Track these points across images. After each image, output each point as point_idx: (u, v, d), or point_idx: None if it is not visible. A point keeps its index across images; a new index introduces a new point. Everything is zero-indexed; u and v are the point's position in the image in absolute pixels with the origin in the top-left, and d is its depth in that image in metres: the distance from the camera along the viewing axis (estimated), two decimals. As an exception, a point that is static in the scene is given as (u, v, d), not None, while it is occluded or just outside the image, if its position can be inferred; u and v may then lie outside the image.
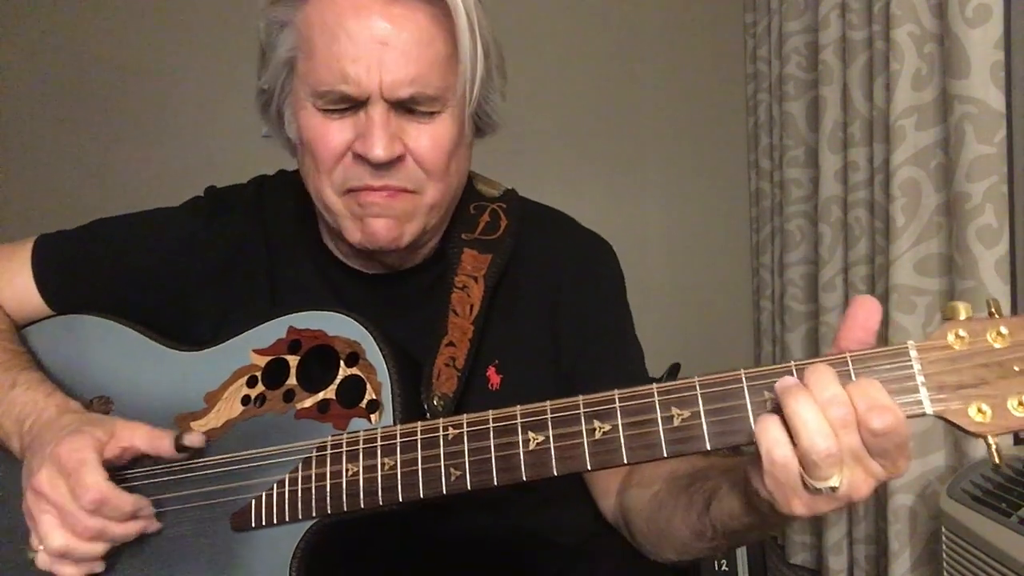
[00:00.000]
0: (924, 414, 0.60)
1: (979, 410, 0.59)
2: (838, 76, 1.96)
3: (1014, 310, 1.45)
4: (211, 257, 0.95)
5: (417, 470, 0.69)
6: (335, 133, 0.82)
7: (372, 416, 0.76)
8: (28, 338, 0.95)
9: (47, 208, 2.48)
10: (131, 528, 0.77)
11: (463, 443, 0.68)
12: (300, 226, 0.97)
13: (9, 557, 0.83)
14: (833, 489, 0.58)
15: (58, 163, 2.59)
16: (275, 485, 0.75)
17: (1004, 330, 0.60)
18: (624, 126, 2.67)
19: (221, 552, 0.77)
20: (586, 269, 0.97)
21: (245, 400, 0.81)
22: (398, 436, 0.71)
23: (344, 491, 0.72)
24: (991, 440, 0.59)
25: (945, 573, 1.35)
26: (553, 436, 0.66)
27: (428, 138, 0.83)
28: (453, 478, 0.68)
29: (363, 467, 0.71)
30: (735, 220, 2.68)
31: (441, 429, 0.70)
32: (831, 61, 1.98)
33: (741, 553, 1.86)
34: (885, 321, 1.70)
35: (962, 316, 0.61)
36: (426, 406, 0.81)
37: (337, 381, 0.78)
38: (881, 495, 1.76)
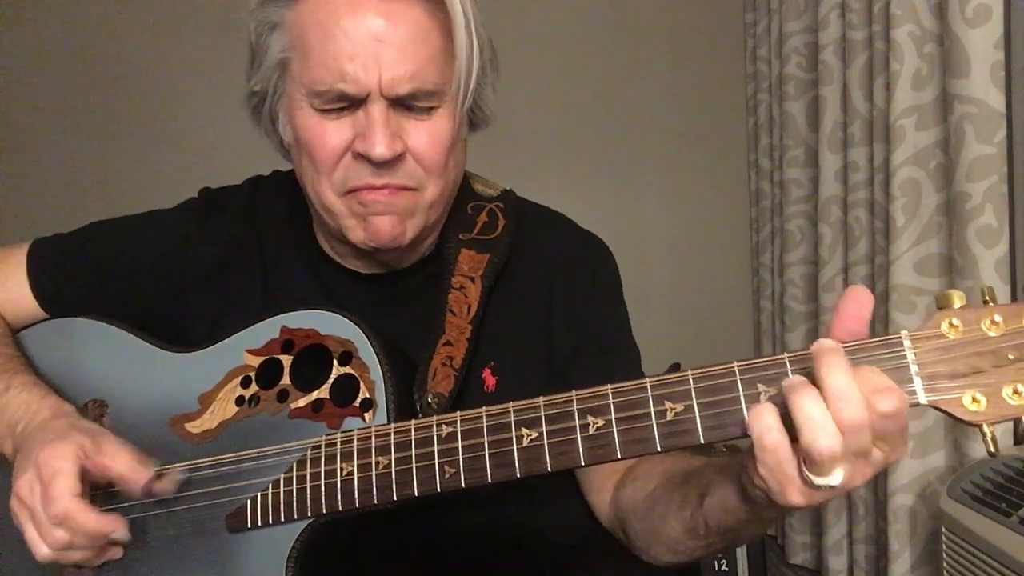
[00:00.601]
0: (918, 404, 0.60)
1: (973, 399, 0.58)
2: (838, 76, 1.96)
3: (1014, 310, 1.46)
4: (204, 258, 0.95)
5: (411, 468, 0.69)
6: (333, 133, 0.82)
7: (366, 415, 0.76)
8: (23, 342, 0.95)
9: (47, 208, 2.48)
10: (90, 553, 0.75)
11: (457, 441, 0.68)
12: (293, 226, 0.97)
13: (8, 557, 0.83)
14: (832, 487, 0.58)
15: (58, 163, 2.59)
16: (270, 485, 0.75)
17: (998, 318, 0.59)
18: (624, 126, 2.66)
19: (217, 553, 0.77)
20: (581, 269, 0.96)
21: (239, 401, 0.81)
22: (392, 435, 0.71)
23: (339, 490, 0.72)
24: (986, 429, 0.59)
25: (945, 573, 1.35)
26: (547, 432, 0.66)
27: (427, 135, 0.82)
28: (448, 475, 0.68)
29: (357, 466, 0.71)
30: (735, 220, 2.68)
31: (435, 427, 0.69)
32: (831, 61, 1.98)
33: (741, 553, 1.85)
34: (885, 321, 1.70)
35: (956, 305, 0.61)
36: (419, 406, 0.80)
37: (330, 380, 0.78)
38: (881, 495, 1.76)
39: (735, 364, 0.62)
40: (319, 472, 0.73)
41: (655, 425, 0.63)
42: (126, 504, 0.80)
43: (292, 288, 0.94)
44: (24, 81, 2.57)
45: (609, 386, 0.65)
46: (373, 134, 0.80)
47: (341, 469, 0.72)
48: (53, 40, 2.57)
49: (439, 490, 0.68)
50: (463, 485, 0.68)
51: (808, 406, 0.56)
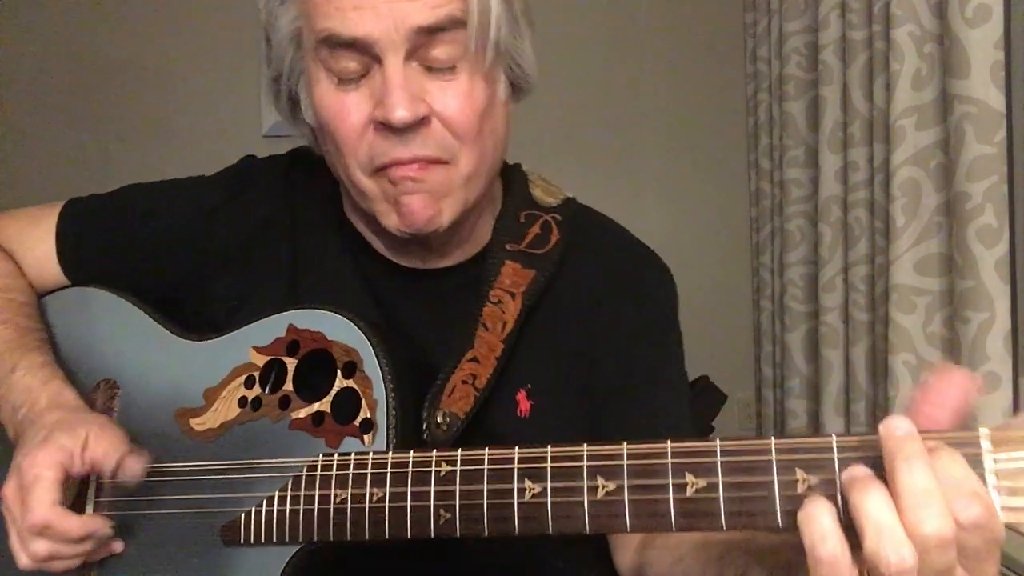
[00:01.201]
0: None
1: None
2: (838, 76, 1.96)
3: (1014, 310, 1.46)
4: (229, 237, 0.90)
5: (406, 507, 0.64)
6: (352, 106, 0.75)
7: (365, 437, 0.71)
8: (46, 308, 0.94)
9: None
10: (79, 549, 0.73)
11: (455, 483, 0.62)
12: (330, 208, 0.91)
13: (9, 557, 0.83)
14: None
15: (58, 163, 2.58)
16: (264, 502, 0.71)
17: None
18: (624, 126, 2.66)
19: (210, 565, 0.75)
20: (629, 297, 0.89)
21: (242, 402, 0.78)
22: (389, 466, 0.65)
23: (331, 518, 0.67)
24: None
25: (945, 573, 1.34)
26: (551, 489, 0.59)
27: (453, 96, 0.75)
28: (442, 521, 0.62)
29: (351, 495, 0.66)
30: (735, 220, 2.67)
31: (434, 464, 0.63)
32: (831, 61, 1.98)
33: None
34: (885, 321, 1.70)
35: None
36: (426, 424, 0.75)
37: (332, 393, 0.74)
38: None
39: (772, 441, 0.53)
40: (313, 496, 0.68)
41: (672, 500, 0.55)
42: (119, 499, 0.79)
43: (323, 275, 0.88)
44: (24, 81, 2.57)
45: (625, 444, 0.58)
46: (391, 95, 0.72)
47: (335, 495, 0.67)
48: (53, 40, 2.56)
49: (432, 535, 0.62)
50: (457, 534, 0.62)
51: (876, 509, 0.46)
